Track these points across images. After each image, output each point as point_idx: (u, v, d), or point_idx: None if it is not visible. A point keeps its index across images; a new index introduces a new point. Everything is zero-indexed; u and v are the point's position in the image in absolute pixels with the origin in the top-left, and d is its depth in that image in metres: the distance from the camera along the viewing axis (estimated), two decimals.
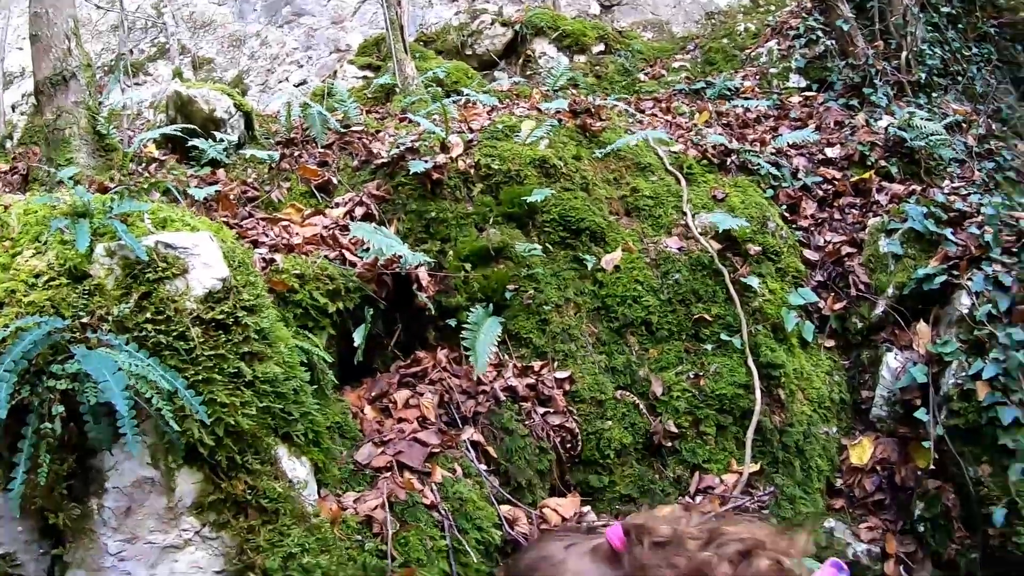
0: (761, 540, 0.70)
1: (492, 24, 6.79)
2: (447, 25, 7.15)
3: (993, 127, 4.40)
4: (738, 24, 6.41)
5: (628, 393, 2.59)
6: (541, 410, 2.63)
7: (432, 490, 2.39)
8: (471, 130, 3.52)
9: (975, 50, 5.01)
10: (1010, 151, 4.25)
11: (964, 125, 4.22)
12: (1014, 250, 2.88)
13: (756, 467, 2.58)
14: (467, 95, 4.67)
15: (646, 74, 6.04)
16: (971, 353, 2.73)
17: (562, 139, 3.41)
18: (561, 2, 7.36)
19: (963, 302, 2.82)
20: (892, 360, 2.82)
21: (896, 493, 2.82)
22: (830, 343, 2.93)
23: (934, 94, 4.40)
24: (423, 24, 7.31)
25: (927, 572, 2.78)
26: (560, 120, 3.61)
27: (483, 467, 2.57)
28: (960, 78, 4.96)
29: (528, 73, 6.40)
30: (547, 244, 2.89)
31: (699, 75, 5.63)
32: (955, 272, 2.86)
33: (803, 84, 4.75)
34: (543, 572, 0.73)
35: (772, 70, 5.04)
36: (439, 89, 5.13)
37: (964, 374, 2.69)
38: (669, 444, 2.56)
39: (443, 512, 2.34)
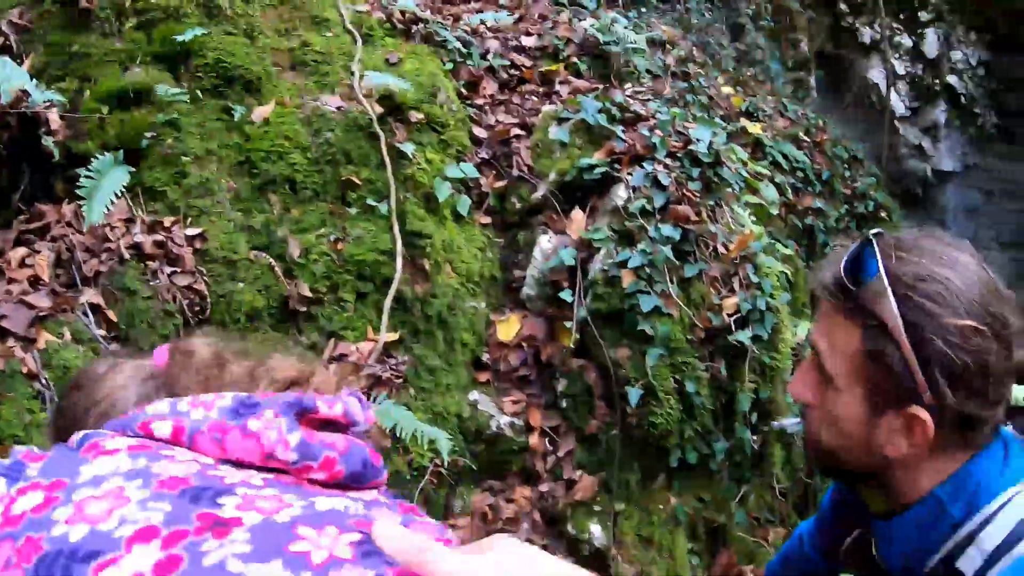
0: (307, 371, 0.73)
1: None
2: None
3: (695, 54, 4.63)
4: None
5: (264, 254, 2.44)
6: (168, 270, 2.44)
7: (34, 357, 2.17)
8: None
9: None
10: (708, 80, 4.51)
11: (668, 46, 4.41)
12: (678, 155, 3.03)
13: (395, 336, 2.55)
14: None
15: None
16: (621, 243, 2.85)
17: None
18: None
19: (620, 194, 2.93)
20: (545, 242, 2.88)
21: (542, 370, 2.93)
22: (486, 220, 2.95)
23: (645, 10, 4.55)
24: None
25: (571, 445, 2.93)
26: None
27: (100, 332, 2.36)
28: (679, 6, 5.22)
29: None
30: (197, 91, 2.63)
31: None
32: (617, 166, 2.96)
33: None
34: (85, 387, 0.77)
35: None
36: None
37: (612, 261, 2.80)
38: (305, 309, 2.46)
39: (44, 382, 2.13)
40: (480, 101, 3.07)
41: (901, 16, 7.03)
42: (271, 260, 2.42)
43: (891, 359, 0.88)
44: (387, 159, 2.56)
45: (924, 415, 0.88)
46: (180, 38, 2.61)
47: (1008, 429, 0.96)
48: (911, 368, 0.87)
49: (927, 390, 0.87)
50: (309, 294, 2.43)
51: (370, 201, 2.53)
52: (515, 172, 2.92)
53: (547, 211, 2.94)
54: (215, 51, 2.67)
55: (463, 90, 3.08)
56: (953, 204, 7.49)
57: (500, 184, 2.91)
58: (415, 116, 2.73)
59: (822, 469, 1.30)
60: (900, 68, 7.07)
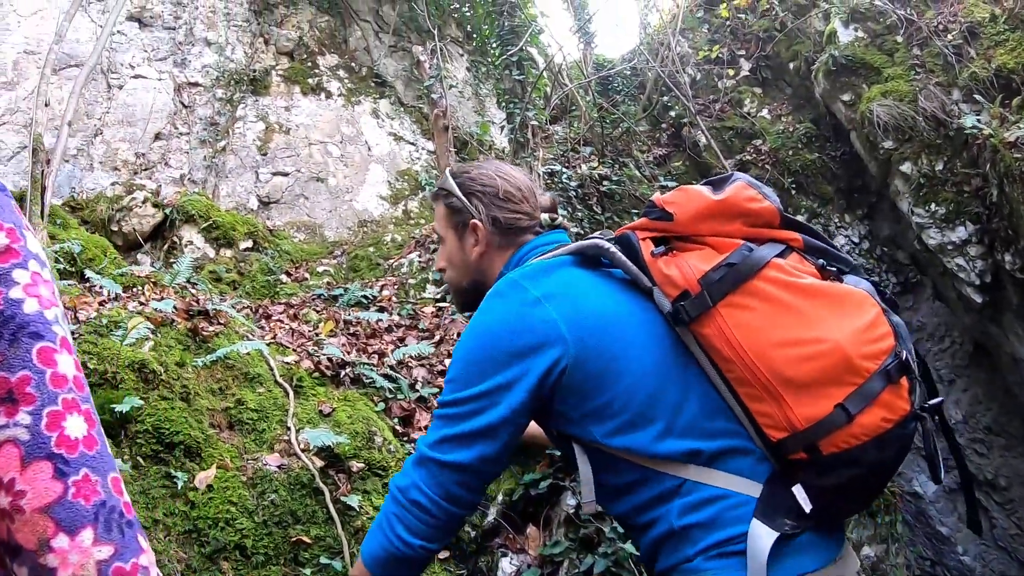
0: None
1: (144, 203, 6.63)
2: (100, 195, 6.85)
3: None
4: (387, 234, 6.97)
5: None
6: None
7: None
8: (77, 320, 3.35)
9: None
10: None
11: None
12: None
13: None
14: (90, 277, 4.45)
15: (290, 276, 6.24)
16: (581, 550, 3.02)
17: (169, 342, 3.36)
18: (222, 191, 7.47)
19: (569, 502, 3.16)
20: (507, 565, 3.01)
21: None
22: (445, 554, 3.07)
23: None
24: (78, 189, 6.92)
25: None
26: (173, 321, 3.58)
27: None
28: None
29: (171, 261, 6.27)
30: (138, 457, 2.76)
31: (342, 281, 5.95)
32: (560, 475, 3.20)
33: (438, 295, 5.23)
34: None
35: (411, 280, 5.50)
36: (65, 266, 4.83)
37: (576, 571, 2.95)
38: None
39: None
40: (416, 435, 3.31)
41: None
42: None
43: (455, 204, 1.81)
44: (334, 514, 2.71)
45: (478, 223, 1.78)
46: (118, 408, 2.77)
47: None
48: (464, 202, 1.79)
49: (476, 209, 1.78)
50: None
51: (323, 559, 2.63)
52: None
53: (503, 532, 3.10)
54: (153, 416, 2.84)
55: (398, 427, 3.33)
56: None
57: None
58: (356, 465, 2.92)
59: (463, 306, 1.92)
60: None
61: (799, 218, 7.23)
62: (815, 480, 1.49)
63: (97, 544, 0.77)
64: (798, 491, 1.49)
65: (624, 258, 1.62)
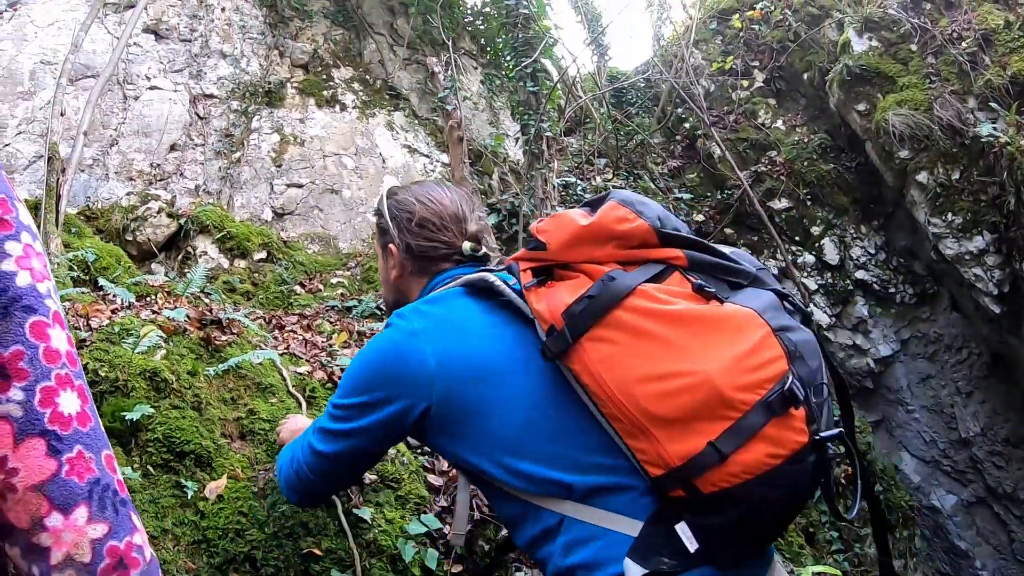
0: None
1: (159, 213, 6.67)
2: (115, 204, 6.89)
3: None
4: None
5: None
6: None
7: None
8: (89, 327, 3.34)
9: None
10: None
11: None
12: None
13: None
14: (103, 286, 4.45)
15: (304, 287, 6.24)
16: None
17: (181, 350, 3.35)
18: (236, 202, 7.49)
19: None
20: None
21: None
22: (458, 568, 3.03)
23: None
24: (93, 198, 6.96)
25: None
26: (186, 330, 3.56)
27: None
28: None
29: (185, 271, 6.28)
30: (148, 466, 2.74)
31: (356, 293, 5.93)
32: None
33: None
34: None
35: None
36: (79, 274, 4.85)
37: None
38: None
39: None
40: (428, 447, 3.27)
41: (796, 239, 7.94)
42: None
43: (381, 224, 1.90)
44: (346, 526, 2.68)
45: (393, 247, 1.85)
46: (128, 416, 2.75)
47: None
48: (387, 224, 1.86)
49: (393, 233, 1.85)
50: None
51: (335, 572, 2.59)
52: (476, 515, 3.06)
53: (517, 549, 3.06)
54: (164, 425, 2.82)
55: (411, 439, 3.29)
56: (905, 381, 7.93)
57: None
58: (369, 477, 2.89)
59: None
60: (812, 283, 7.83)
61: (815, 230, 7.18)
62: (699, 519, 1.41)
63: (91, 523, 0.76)
64: (682, 529, 1.41)
65: (509, 291, 1.60)
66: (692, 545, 1.40)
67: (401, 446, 3.16)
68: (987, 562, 7.63)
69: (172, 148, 7.62)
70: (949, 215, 6.88)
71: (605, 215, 1.52)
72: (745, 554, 1.48)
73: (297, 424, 2.15)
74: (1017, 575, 7.51)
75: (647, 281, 1.46)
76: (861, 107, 7.57)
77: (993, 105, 6.65)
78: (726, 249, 1.60)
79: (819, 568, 3.28)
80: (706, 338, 1.37)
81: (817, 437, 1.37)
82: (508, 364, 1.55)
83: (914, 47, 7.47)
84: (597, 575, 1.44)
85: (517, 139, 7.42)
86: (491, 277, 1.64)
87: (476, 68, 9.18)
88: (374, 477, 2.91)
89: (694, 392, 1.34)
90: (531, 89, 6.87)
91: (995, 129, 6.49)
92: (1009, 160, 6.25)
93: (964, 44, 7.03)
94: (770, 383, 1.34)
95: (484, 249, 1.86)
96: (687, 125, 8.73)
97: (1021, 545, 7.50)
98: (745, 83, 8.84)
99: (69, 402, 0.78)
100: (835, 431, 1.40)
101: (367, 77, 8.72)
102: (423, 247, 1.82)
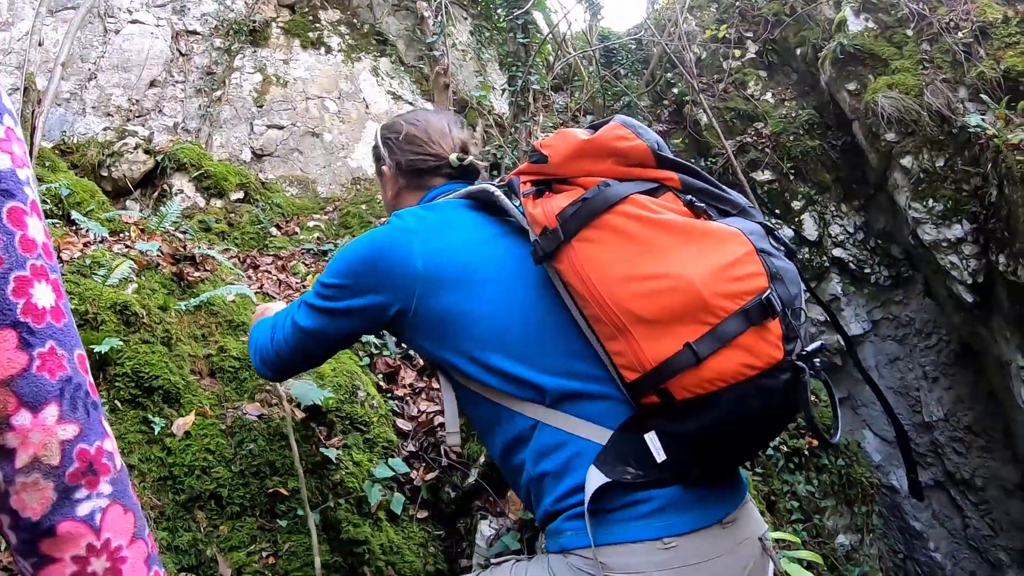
0: None
1: (135, 149, 6.54)
2: (91, 139, 6.74)
3: None
4: (379, 192, 6.89)
5: None
6: None
7: None
8: (60, 259, 3.29)
9: None
10: None
11: None
12: None
13: None
14: (76, 220, 4.38)
15: (280, 229, 6.17)
16: None
17: (153, 285, 3.31)
18: (215, 142, 7.36)
19: None
20: (486, 528, 2.99)
21: None
22: (424, 514, 3.05)
23: None
24: (69, 133, 6.80)
25: None
26: (158, 264, 3.52)
27: None
28: None
29: (161, 209, 6.18)
30: (116, 401, 2.71)
31: (332, 237, 5.88)
32: None
33: None
34: None
35: None
36: (52, 207, 4.76)
37: None
38: None
39: None
40: (400, 392, 3.28)
41: (776, 211, 7.99)
42: None
43: (375, 151, 2.01)
44: (300, 468, 2.68)
45: (386, 168, 1.94)
46: (97, 349, 2.72)
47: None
48: (379, 150, 1.96)
49: (385, 155, 1.94)
50: None
51: (300, 512, 2.60)
52: (444, 461, 3.08)
53: (483, 495, 3.08)
54: (132, 360, 2.79)
55: (382, 383, 3.30)
56: (874, 361, 8.05)
57: (431, 476, 3.05)
58: (337, 418, 2.89)
59: None
60: None
61: (796, 204, 7.19)
62: (668, 427, 1.43)
63: (61, 422, 0.72)
64: (651, 438, 1.43)
65: (507, 202, 1.67)
66: (660, 455, 1.42)
67: (372, 389, 3.16)
68: (940, 544, 7.83)
69: (152, 84, 7.46)
70: (930, 201, 6.94)
71: (606, 132, 1.56)
72: (712, 476, 1.50)
73: (270, 309, 2.16)
74: (969, 559, 7.71)
75: (641, 193, 1.50)
76: (852, 86, 7.57)
77: (984, 97, 6.67)
78: (734, 195, 1.62)
79: (779, 534, 3.34)
80: (691, 246, 1.40)
81: (792, 357, 1.38)
82: (496, 270, 1.60)
83: (910, 32, 7.46)
84: (564, 481, 1.47)
85: (503, 91, 7.34)
86: (493, 189, 1.70)
87: (466, 19, 9.04)
88: (343, 418, 2.90)
89: (675, 294, 1.37)
90: (521, 41, 6.79)
91: (983, 121, 6.52)
92: (994, 152, 6.29)
93: (961, 34, 7.03)
94: (749, 295, 1.37)
95: (471, 158, 1.91)
96: (676, 90, 8.69)
97: (975, 531, 7.70)
98: (737, 53, 8.79)
99: (43, 295, 0.71)
100: (814, 345, 1.42)
101: (354, 20, 8.56)
102: (412, 160, 1.89)
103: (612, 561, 1.40)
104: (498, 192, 1.69)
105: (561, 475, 1.48)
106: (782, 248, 1.51)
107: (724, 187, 1.60)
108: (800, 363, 1.38)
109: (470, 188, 1.76)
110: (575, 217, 1.47)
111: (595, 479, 1.41)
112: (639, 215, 1.45)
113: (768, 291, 1.37)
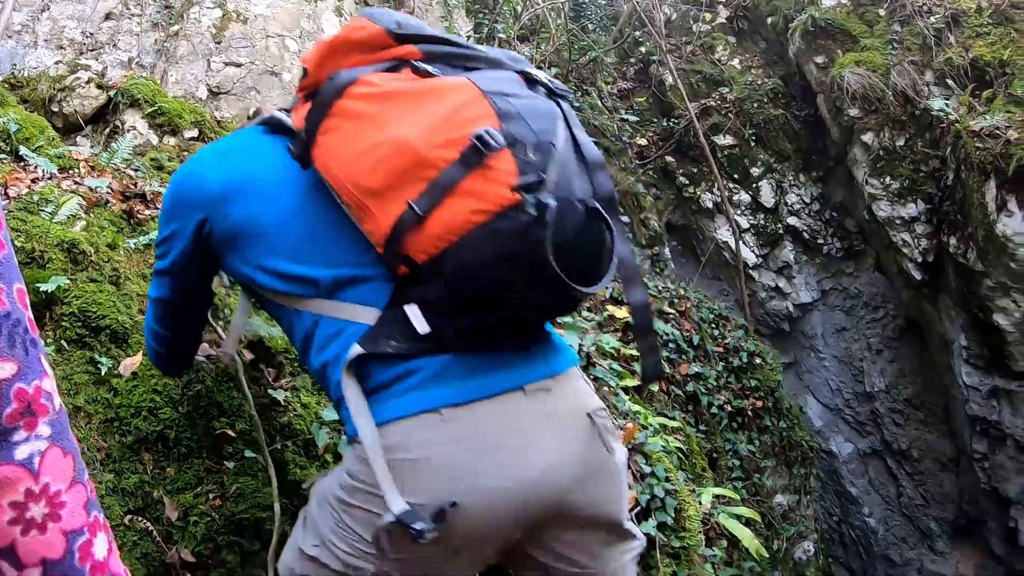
0: None
1: (87, 84, 6.30)
2: (43, 73, 6.49)
3: None
4: None
5: (140, 518, 2.42)
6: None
7: None
8: (6, 195, 3.20)
9: None
10: None
11: None
12: None
13: None
14: (24, 155, 4.26)
15: None
16: None
17: (102, 223, 3.24)
18: (170, 78, 7.15)
19: None
20: None
21: None
22: None
23: None
24: (20, 66, 6.54)
25: None
26: (108, 202, 3.45)
27: None
28: None
29: (112, 146, 6.02)
30: (63, 341, 2.67)
31: None
32: None
33: None
34: None
35: None
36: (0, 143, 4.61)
37: None
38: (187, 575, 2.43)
39: None
40: None
41: (735, 176, 8.09)
42: (148, 524, 2.40)
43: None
44: (255, 413, 2.68)
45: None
46: (43, 287, 2.66)
47: None
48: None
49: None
50: (192, 559, 2.41)
51: (248, 454, 2.60)
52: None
53: None
54: (80, 299, 2.74)
55: None
56: (821, 330, 8.27)
57: None
58: (287, 360, 2.88)
59: None
60: (744, 222, 8.01)
61: (755, 171, 7.24)
62: (421, 294, 1.39)
63: None
64: (412, 311, 1.40)
65: (288, 121, 1.65)
66: (422, 327, 1.39)
67: None
68: (875, 511, 8.12)
69: (107, 17, 7.21)
70: (887, 179, 7.06)
71: (345, 27, 1.58)
72: (485, 342, 1.45)
73: None
74: (900, 527, 8.02)
75: (376, 72, 1.49)
76: (819, 60, 7.62)
77: (949, 82, 6.77)
78: (496, 52, 1.58)
79: (718, 490, 3.45)
80: (411, 108, 1.38)
81: (520, 191, 1.28)
82: (278, 181, 1.59)
83: (882, 12, 7.52)
84: (339, 367, 1.45)
85: (468, 38, 7.25)
86: (277, 113, 1.71)
87: None
88: (292, 359, 2.90)
89: (393, 159, 1.35)
90: None
91: (947, 106, 6.63)
92: (955, 137, 6.40)
93: (933, 19, 7.11)
94: (469, 140, 1.30)
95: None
96: (643, 49, 8.67)
97: (908, 500, 8.00)
98: (708, 16, 8.78)
99: None
100: (533, 178, 1.29)
101: None
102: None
103: (391, 442, 1.36)
104: (280, 115, 1.68)
105: (337, 362, 1.46)
106: (543, 89, 1.47)
107: (477, 47, 1.57)
108: (546, 201, 1.26)
109: (264, 116, 1.74)
110: (313, 113, 1.48)
111: (354, 352, 1.40)
112: (366, 93, 1.44)
113: (481, 130, 1.30)
